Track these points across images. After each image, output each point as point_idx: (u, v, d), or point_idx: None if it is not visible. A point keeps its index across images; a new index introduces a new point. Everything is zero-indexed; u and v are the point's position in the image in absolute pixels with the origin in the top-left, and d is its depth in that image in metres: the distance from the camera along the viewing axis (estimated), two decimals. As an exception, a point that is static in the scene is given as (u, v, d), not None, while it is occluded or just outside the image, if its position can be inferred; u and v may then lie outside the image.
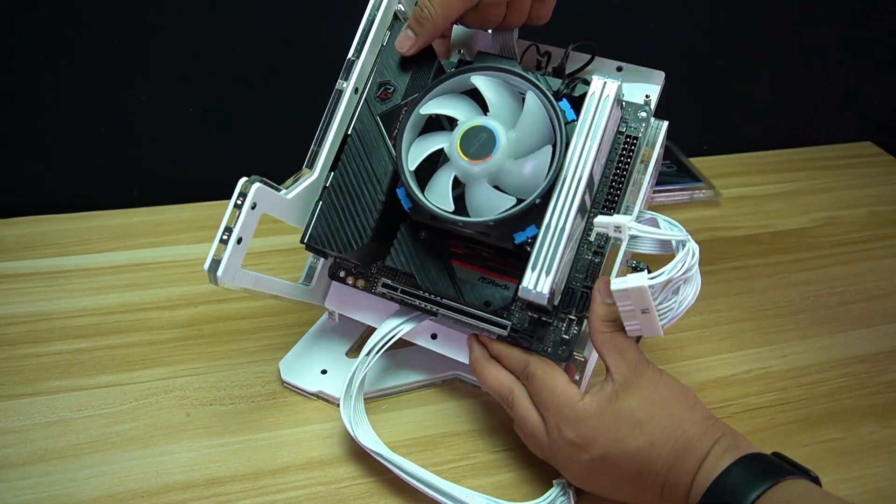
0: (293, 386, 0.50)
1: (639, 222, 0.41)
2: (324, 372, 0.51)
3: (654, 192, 0.73)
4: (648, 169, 0.45)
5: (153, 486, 0.43)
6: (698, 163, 0.80)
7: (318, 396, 0.50)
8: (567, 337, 0.43)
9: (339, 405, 0.48)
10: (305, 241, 0.45)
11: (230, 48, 0.67)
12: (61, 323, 0.55)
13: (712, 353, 0.55)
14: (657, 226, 0.42)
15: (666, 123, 0.45)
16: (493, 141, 0.40)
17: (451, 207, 0.41)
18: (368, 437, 0.44)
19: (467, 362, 0.47)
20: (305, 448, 0.46)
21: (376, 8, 0.46)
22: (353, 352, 0.53)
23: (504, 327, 0.44)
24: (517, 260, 0.43)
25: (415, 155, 0.42)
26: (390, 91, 0.45)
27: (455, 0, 0.43)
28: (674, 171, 0.77)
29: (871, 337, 0.57)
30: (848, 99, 0.88)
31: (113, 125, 0.68)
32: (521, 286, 0.40)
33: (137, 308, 0.57)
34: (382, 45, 0.47)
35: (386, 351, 0.47)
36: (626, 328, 0.40)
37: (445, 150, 0.42)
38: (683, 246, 0.39)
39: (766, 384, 0.52)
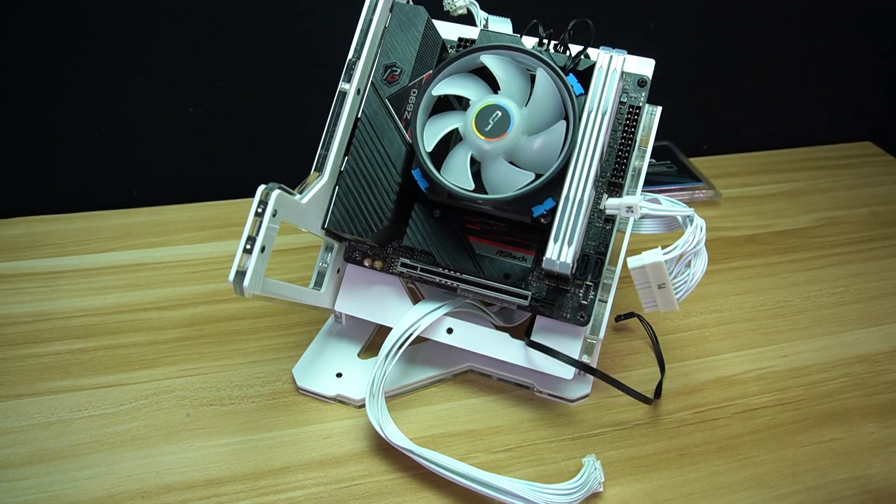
0: (310, 392, 0.49)
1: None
2: (339, 375, 0.50)
3: (654, 192, 0.73)
4: (646, 155, 0.46)
5: (153, 486, 0.43)
6: (698, 163, 0.80)
7: (337, 400, 0.49)
8: (585, 303, 0.45)
9: (358, 407, 0.49)
10: (325, 226, 0.46)
11: (230, 48, 0.67)
12: (61, 323, 0.55)
13: (712, 353, 0.55)
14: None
15: (659, 108, 0.47)
16: (508, 118, 0.41)
17: (472, 186, 0.42)
18: (396, 435, 0.44)
19: (484, 353, 0.47)
20: (305, 448, 0.46)
21: (372, 9, 0.46)
22: (365, 353, 0.53)
23: (525, 297, 0.46)
24: (533, 232, 0.45)
25: (430, 136, 0.43)
26: (397, 73, 0.46)
27: None
28: (674, 171, 0.77)
29: (871, 337, 0.57)
30: (848, 99, 0.88)
31: (113, 125, 0.68)
32: (545, 258, 0.41)
33: (137, 308, 0.57)
34: (385, 26, 0.47)
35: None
36: (644, 305, 0.42)
37: (460, 129, 0.43)
38: (691, 221, 0.41)
39: (766, 384, 0.52)
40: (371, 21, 0.46)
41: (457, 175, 0.42)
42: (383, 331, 0.49)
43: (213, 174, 0.74)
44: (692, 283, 0.41)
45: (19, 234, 0.65)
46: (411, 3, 0.49)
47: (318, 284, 0.49)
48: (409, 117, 0.45)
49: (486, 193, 0.42)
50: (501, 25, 0.50)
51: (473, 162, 0.43)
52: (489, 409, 0.50)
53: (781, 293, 0.61)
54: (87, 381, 0.50)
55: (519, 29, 0.48)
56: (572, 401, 0.50)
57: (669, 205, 0.43)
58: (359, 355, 0.52)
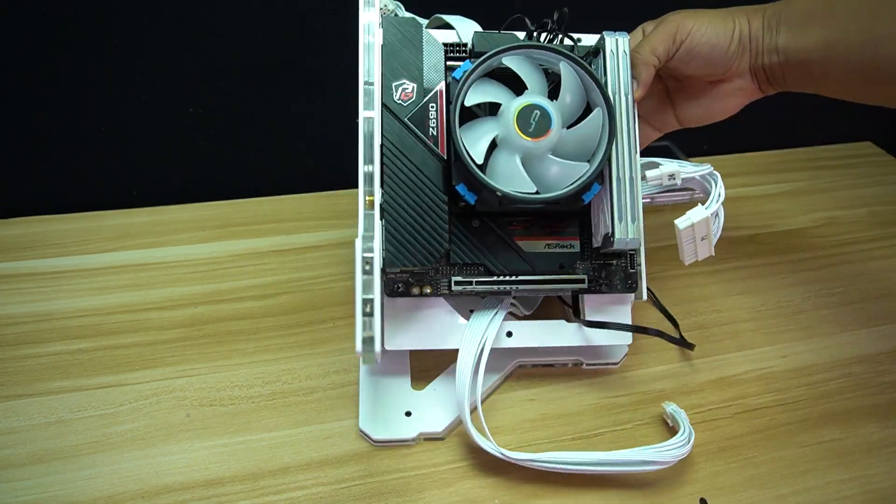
0: (389, 441, 0.46)
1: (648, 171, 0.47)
2: (408, 414, 0.48)
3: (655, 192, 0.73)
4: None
5: (153, 487, 0.43)
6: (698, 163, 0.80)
7: (421, 439, 0.47)
8: (633, 271, 0.47)
9: (441, 439, 0.47)
10: (384, 266, 0.42)
11: (230, 48, 0.67)
12: (61, 323, 0.55)
13: (713, 353, 0.55)
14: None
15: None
16: (548, 116, 0.42)
17: (534, 188, 0.42)
18: (514, 454, 0.43)
19: (547, 346, 0.48)
20: (305, 448, 0.46)
21: (369, 31, 0.43)
22: (417, 383, 0.50)
23: (582, 282, 0.47)
24: (573, 218, 0.47)
25: (474, 149, 0.43)
26: (409, 90, 0.45)
27: (659, 41, 0.47)
28: (674, 171, 0.77)
29: (871, 337, 0.57)
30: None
31: (113, 125, 0.68)
32: (616, 238, 0.43)
33: (137, 308, 0.57)
34: (382, 44, 0.45)
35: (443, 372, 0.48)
36: (685, 259, 0.46)
37: (500, 134, 0.43)
38: (713, 177, 0.47)
39: (766, 384, 0.52)
40: (370, 44, 0.43)
41: (514, 181, 0.42)
42: (418, 355, 0.50)
43: (213, 174, 0.74)
44: (719, 231, 0.47)
45: (19, 234, 0.65)
46: (398, 15, 0.47)
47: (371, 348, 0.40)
48: (435, 133, 0.44)
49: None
50: (466, 26, 0.48)
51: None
52: (492, 409, 0.50)
53: (781, 293, 0.61)
54: (87, 381, 0.50)
55: (496, 25, 0.47)
56: (616, 363, 0.53)
57: (690, 167, 0.48)
58: (413, 388, 0.50)
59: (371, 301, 0.36)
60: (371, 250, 0.37)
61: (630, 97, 0.45)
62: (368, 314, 0.36)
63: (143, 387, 0.50)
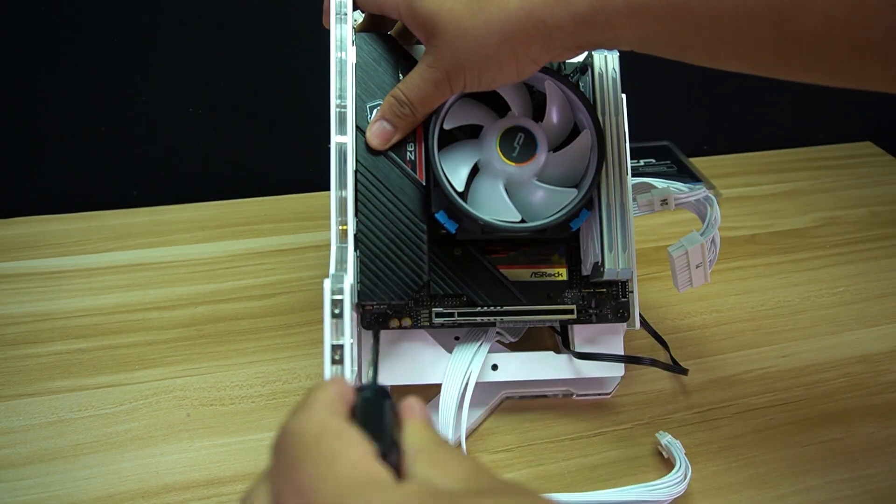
0: None
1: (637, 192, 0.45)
2: None
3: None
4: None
5: (153, 486, 0.43)
6: (698, 163, 0.80)
7: None
8: (625, 300, 0.45)
9: None
10: (357, 300, 0.40)
11: (230, 48, 0.67)
12: (61, 323, 0.55)
13: (712, 353, 0.55)
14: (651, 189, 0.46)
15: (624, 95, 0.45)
16: (534, 139, 0.39)
17: (518, 217, 0.40)
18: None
19: (535, 379, 0.46)
20: (305, 448, 0.46)
21: (341, 47, 0.41)
22: None
23: (571, 312, 0.44)
24: (560, 245, 0.44)
25: (455, 175, 0.40)
26: None
27: (433, 92, 0.38)
28: (674, 172, 0.77)
29: (871, 337, 0.57)
30: (848, 99, 0.88)
31: (113, 125, 0.68)
32: (605, 269, 0.41)
33: (137, 308, 0.57)
34: (354, 62, 0.42)
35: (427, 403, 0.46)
36: (679, 287, 0.43)
37: (482, 160, 0.40)
38: (709, 201, 0.44)
39: (766, 384, 0.52)
40: (343, 60, 0.40)
41: (498, 209, 0.40)
42: (398, 389, 0.47)
43: (213, 174, 0.74)
44: (716, 256, 0.44)
45: (19, 234, 0.65)
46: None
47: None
48: (412, 158, 0.42)
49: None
50: None
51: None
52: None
53: (781, 293, 0.61)
54: (87, 381, 0.50)
55: None
56: (609, 393, 0.50)
57: (685, 189, 0.45)
58: None
59: (341, 348, 0.33)
60: (341, 291, 0.34)
61: (621, 117, 0.41)
62: (338, 361, 0.33)
63: (143, 387, 0.50)
